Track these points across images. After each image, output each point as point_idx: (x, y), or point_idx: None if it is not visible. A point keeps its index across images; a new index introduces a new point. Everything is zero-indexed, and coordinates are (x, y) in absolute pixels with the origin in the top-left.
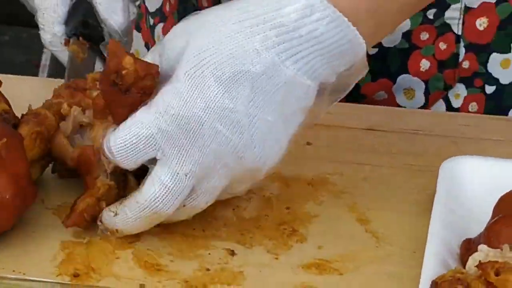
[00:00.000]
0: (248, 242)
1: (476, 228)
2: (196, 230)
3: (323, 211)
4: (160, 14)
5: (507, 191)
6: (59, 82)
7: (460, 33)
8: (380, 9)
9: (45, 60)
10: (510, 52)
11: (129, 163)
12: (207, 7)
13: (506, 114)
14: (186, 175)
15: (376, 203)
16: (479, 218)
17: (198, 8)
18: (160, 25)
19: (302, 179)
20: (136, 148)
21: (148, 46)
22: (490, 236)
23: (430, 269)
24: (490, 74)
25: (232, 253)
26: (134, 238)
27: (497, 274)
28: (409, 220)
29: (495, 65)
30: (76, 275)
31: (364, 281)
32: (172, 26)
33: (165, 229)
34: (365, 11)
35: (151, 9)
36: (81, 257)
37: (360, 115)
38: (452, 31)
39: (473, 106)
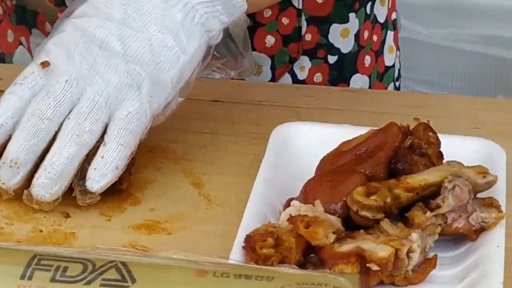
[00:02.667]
0: (84, 206)
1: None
2: None
3: (160, 176)
4: None
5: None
6: None
7: (301, 7)
8: None
9: None
10: (348, 22)
11: None
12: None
13: (348, 82)
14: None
15: (211, 168)
16: (305, 179)
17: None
18: None
19: (143, 147)
20: None
21: None
22: (306, 192)
23: (249, 225)
24: (332, 44)
25: (67, 215)
26: None
27: (307, 227)
28: (241, 183)
29: (336, 35)
30: None
31: (190, 239)
32: (8, 29)
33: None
34: None
35: None
36: None
37: (207, 88)
38: (293, 6)
39: (317, 76)
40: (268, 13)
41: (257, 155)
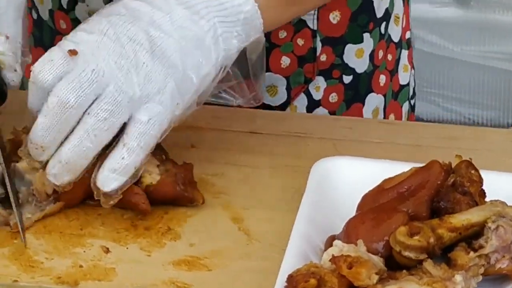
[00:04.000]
0: (123, 240)
1: (342, 225)
2: (73, 229)
3: (199, 210)
4: None
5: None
6: None
7: (315, 28)
8: None
9: None
10: (362, 42)
11: None
12: (65, 29)
13: (363, 101)
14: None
15: (251, 203)
16: (346, 216)
17: (55, 31)
18: None
19: None
20: None
21: None
22: (348, 231)
23: (290, 264)
24: (347, 64)
25: (107, 250)
26: (13, 236)
27: (349, 267)
28: (281, 218)
29: (351, 55)
30: None
31: (231, 276)
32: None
33: (44, 227)
34: None
35: None
36: None
37: (244, 119)
38: (308, 26)
39: (333, 96)
40: (283, 34)
41: (297, 189)
